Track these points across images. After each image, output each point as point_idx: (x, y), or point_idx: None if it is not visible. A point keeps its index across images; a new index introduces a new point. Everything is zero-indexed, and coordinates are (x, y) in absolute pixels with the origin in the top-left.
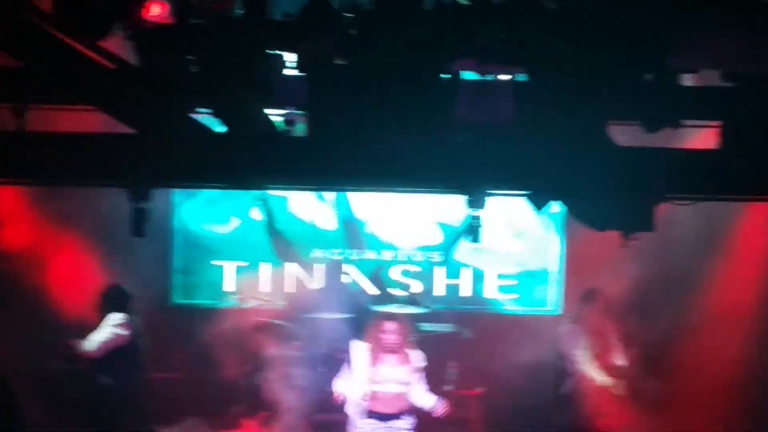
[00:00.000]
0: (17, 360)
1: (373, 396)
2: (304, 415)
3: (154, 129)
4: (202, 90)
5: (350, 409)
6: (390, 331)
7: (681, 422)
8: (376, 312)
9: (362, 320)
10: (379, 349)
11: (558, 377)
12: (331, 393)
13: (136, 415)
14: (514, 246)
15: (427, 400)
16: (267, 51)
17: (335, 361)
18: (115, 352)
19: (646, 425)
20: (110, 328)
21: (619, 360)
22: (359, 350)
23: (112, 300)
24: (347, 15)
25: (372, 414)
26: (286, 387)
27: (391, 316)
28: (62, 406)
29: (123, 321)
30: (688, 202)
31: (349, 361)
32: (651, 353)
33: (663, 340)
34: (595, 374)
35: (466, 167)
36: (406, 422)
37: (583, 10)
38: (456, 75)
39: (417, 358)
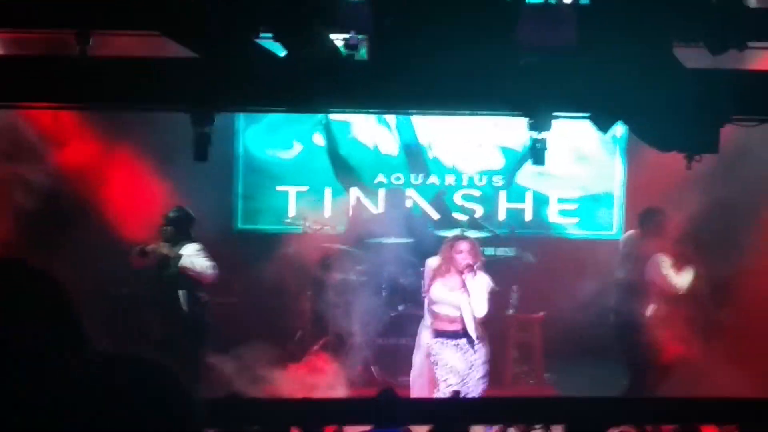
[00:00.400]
0: (82, 283)
1: (435, 316)
2: (367, 339)
3: (217, 53)
4: (265, 14)
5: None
6: (463, 251)
7: (742, 350)
8: (448, 234)
9: (425, 245)
10: (452, 269)
11: (629, 300)
12: (394, 317)
13: (205, 340)
14: (576, 170)
15: (479, 305)
16: None
17: (397, 286)
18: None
19: (711, 353)
20: (204, 258)
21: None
22: (428, 266)
23: (177, 222)
24: None
25: (438, 333)
26: (350, 312)
27: (464, 237)
28: (129, 332)
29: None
30: (754, 123)
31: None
32: (714, 281)
33: (726, 267)
34: (676, 279)
35: (529, 89)
36: (471, 340)
37: None
38: None
39: (483, 281)
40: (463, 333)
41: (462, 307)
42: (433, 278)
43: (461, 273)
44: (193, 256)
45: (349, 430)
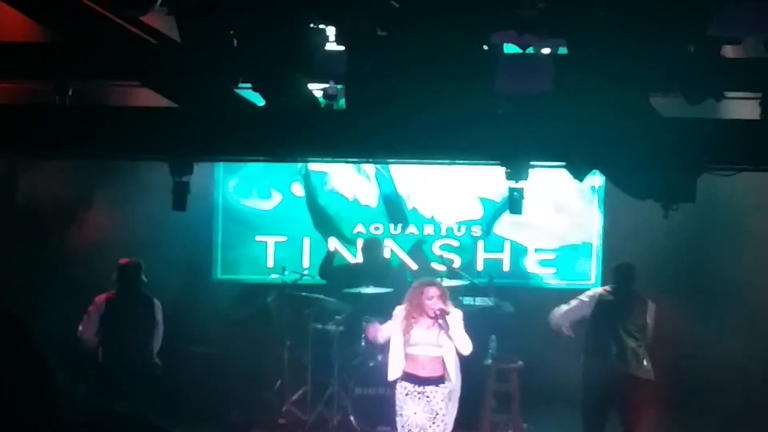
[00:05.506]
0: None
1: (409, 358)
2: (346, 389)
3: (196, 103)
4: (244, 64)
5: (390, 373)
6: (434, 296)
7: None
8: (417, 279)
9: (403, 295)
10: (421, 315)
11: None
12: (373, 367)
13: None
14: (554, 220)
15: (463, 343)
16: (308, 25)
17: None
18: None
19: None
20: None
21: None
22: (397, 315)
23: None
24: None
25: (408, 377)
26: (328, 362)
27: (432, 282)
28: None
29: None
30: (731, 173)
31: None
32: (688, 337)
33: (703, 322)
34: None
35: (506, 138)
36: (442, 389)
37: None
38: (496, 47)
39: (456, 317)
40: (434, 379)
41: (444, 345)
42: (407, 325)
43: (433, 318)
44: None
45: None
